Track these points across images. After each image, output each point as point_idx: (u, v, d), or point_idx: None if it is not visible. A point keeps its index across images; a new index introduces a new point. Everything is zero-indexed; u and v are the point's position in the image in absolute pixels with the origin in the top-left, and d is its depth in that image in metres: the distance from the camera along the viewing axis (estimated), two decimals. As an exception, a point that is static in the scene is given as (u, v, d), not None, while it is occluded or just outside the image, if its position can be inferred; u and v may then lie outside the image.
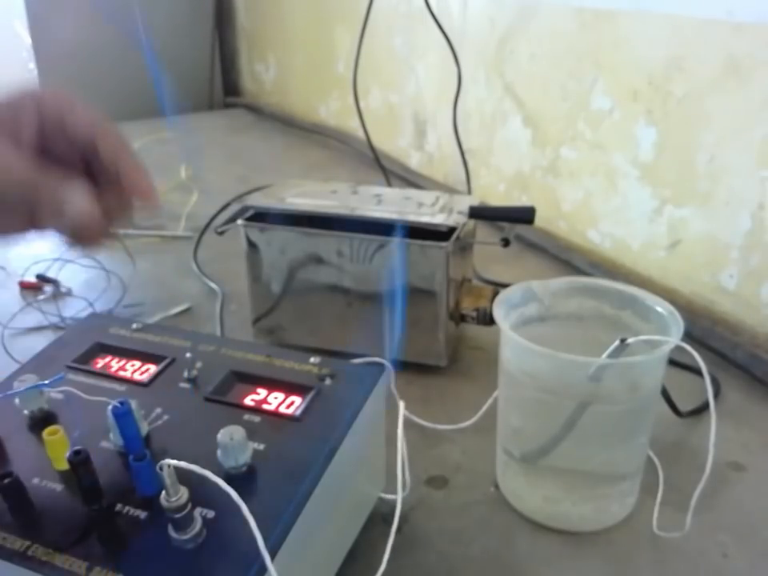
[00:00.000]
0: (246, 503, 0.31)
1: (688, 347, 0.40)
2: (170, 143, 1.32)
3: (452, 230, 0.59)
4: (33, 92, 0.32)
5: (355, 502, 0.43)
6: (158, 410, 0.41)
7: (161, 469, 0.31)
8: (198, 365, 0.44)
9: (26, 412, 0.40)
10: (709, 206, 0.70)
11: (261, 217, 0.63)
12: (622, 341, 0.40)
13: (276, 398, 0.41)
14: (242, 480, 0.35)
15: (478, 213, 0.62)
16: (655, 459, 0.50)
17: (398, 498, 0.40)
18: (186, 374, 0.43)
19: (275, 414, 0.40)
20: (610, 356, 0.40)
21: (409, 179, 1.12)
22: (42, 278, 0.80)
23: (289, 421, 0.40)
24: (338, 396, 0.41)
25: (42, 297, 0.78)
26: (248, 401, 0.41)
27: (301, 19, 1.47)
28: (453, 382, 0.62)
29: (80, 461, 0.32)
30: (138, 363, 0.45)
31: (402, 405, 0.42)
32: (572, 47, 0.83)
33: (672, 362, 0.43)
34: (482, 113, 1.00)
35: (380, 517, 0.46)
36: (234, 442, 0.35)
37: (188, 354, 0.44)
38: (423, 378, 0.62)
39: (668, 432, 0.55)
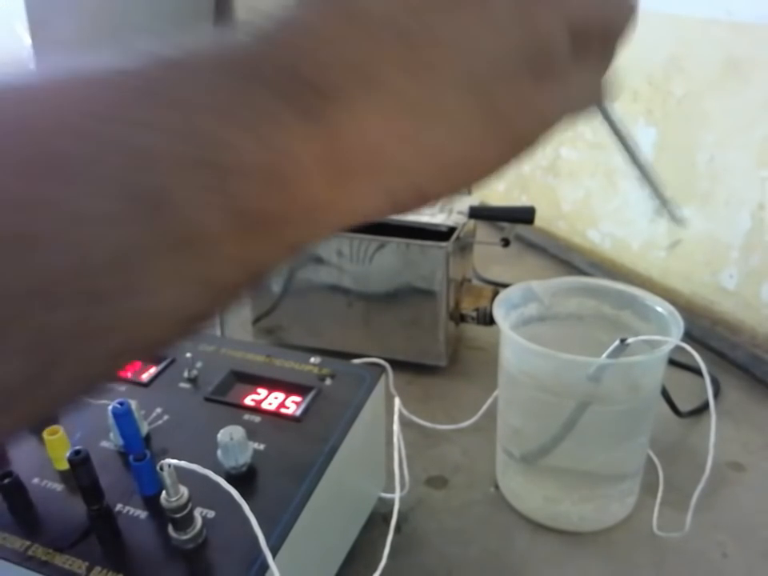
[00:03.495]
0: (246, 503, 0.31)
1: (688, 347, 0.40)
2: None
3: (452, 229, 0.59)
4: None
5: (355, 502, 0.43)
6: (158, 410, 0.41)
7: (161, 469, 0.31)
8: (198, 365, 0.44)
9: (26, 412, 0.40)
10: (709, 206, 0.70)
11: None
12: (622, 341, 0.40)
13: (276, 398, 0.41)
14: (242, 480, 0.35)
15: (478, 213, 0.62)
16: (655, 459, 0.50)
17: (396, 494, 0.40)
18: (186, 374, 0.43)
19: (275, 414, 0.40)
20: (609, 356, 0.40)
21: (409, 179, 1.12)
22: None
23: (289, 421, 0.40)
24: (338, 396, 0.41)
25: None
26: (248, 401, 0.41)
27: (301, 19, 1.47)
28: (453, 381, 0.62)
29: (80, 461, 0.32)
30: (137, 363, 0.45)
31: (397, 401, 0.42)
32: (572, 47, 0.83)
33: (672, 362, 0.43)
34: None
35: (380, 517, 0.46)
36: (234, 442, 0.35)
37: (188, 354, 0.44)
38: (423, 377, 0.62)
39: (668, 432, 0.55)
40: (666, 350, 0.41)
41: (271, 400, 0.41)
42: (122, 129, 0.14)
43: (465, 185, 0.20)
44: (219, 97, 0.15)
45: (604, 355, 0.40)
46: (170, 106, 0.14)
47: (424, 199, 0.19)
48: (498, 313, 0.44)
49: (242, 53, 0.16)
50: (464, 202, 0.63)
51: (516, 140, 0.19)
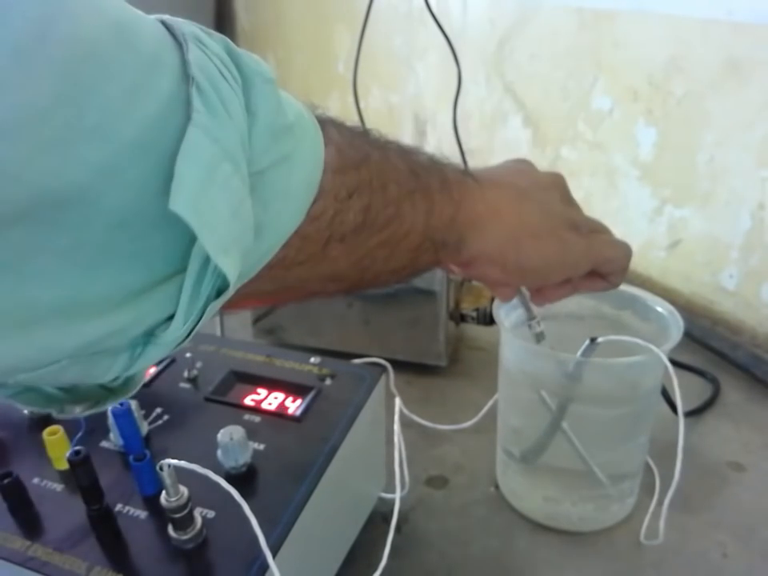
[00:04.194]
0: (246, 503, 0.31)
1: (658, 351, 0.39)
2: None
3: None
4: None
5: (355, 502, 0.43)
6: (158, 410, 0.41)
7: (161, 469, 0.31)
8: (198, 365, 0.44)
9: (26, 412, 0.40)
10: (709, 206, 0.70)
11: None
12: (592, 340, 0.40)
13: (276, 398, 0.41)
14: (242, 480, 0.35)
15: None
16: (651, 462, 0.50)
17: (397, 494, 0.40)
18: (186, 374, 0.43)
19: (275, 414, 0.40)
20: (582, 355, 0.40)
21: (409, 179, 1.12)
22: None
23: (289, 421, 0.40)
24: (338, 396, 0.41)
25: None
26: (248, 401, 0.41)
27: (300, 19, 1.47)
28: (453, 381, 0.62)
29: (80, 461, 0.32)
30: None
31: (398, 401, 0.42)
32: (572, 47, 0.83)
33: (672, 362, 0.42)
34: (482, 113, 1.00)
35: (380, 517, 0.46)
36: (234, 442, 0.35)
37: (188, 354, 0.44)
38: (423, 378, 0.62)
39: (668, 432, 0.54)
40: (665, 349, 0.41)
41: (271, 400, 0.41)
42: (420, 177, 0.30)
43: (537, 269, 0.35)
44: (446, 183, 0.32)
45: (578, 354, 0.40)
46: (427, 179, 0.31)
47: (516, 255, 0.34)
48: (497, 313, 0.44)
49: (452, 172, 0.33)
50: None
51: (562, 249, 0.35)
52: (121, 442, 0.37)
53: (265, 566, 0.30)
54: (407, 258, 0.31)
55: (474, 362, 0.65)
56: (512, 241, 0.33)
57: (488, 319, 0.62)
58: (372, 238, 0.28)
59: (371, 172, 0.27)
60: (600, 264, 0.37)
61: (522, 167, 0.38)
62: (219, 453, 0.36)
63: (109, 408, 0.36)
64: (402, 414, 0.45)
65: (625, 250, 0.38)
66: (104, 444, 0.38)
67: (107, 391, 0.23)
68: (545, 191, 0.36)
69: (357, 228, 0.27)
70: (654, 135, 0.75)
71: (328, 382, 0.42)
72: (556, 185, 0.37)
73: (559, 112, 0.87)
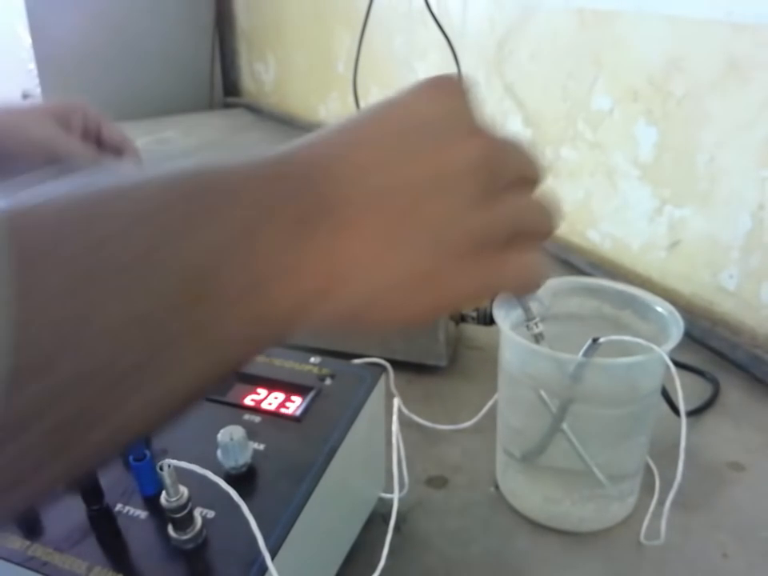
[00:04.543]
0: (245, 503, 0.31)
1: (661, 351, 0.40)
2: (169, 143, 1.32)
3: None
4: (78, 103, 0.47)
5: (355, 502, 0.43)
6: (158, 410, 0.41)
7: (161, 469, 0.31)
8: (198, 365, 0.44)
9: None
10: (709, 206, 0.70)
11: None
12: (594, 340, 0.40)
13: (276, 398, 0.41)
14: (242, 480, 0.35)
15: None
16: (651, 462, 0.50)
17: (395, 495, 0.40)
18: (185, 374, 0.43)
19: (275, 414, 0.40)
20: (584, 355, 0.40)
21: (409, 179, 1.12)
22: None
23: (289, 421, 0.40)
24: (338, 396, 0.41)
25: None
26: (248, 401, 0.41)
27: (300, 19, 1.47)
28: (453, 381, 0.62)
29: (80, 461, 0.32)
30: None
31: (397, 401, 0.42)
32: (572, 47, 0.83)
33: (672, 362, 0.42)
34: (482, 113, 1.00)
35: (380, 517, 0.46)
36: (234, 442, 0.35)
37: (188, 354, 0.44)
38: (423, 377, 0.62)
39: (668, 432, 0.55)
40: (665, 349, 0.41)
41: (271, 400, 0.41)
42: (203, 300, 0.20)
43: (409, 314, 0.25)
44: (251, 213, 0.21)
45: (580, 354, 0.40)
46: (219, 291, 0.20)
47: (378, 313, 0.24)
48: (498, 313, 0.44)
49: (270, 170, 0.22)
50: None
51: (444, 295, 0.24)
52: (121, 441, 0.37)
53: (264, 567, 0.30)
54: (180, 406, 0.21)
55: (473, 361, 0.65)
56: (359, 311, 0.23)
57: (488, 319, 0.62)
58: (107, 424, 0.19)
59: (93, 338, 0.18)
60: (510, 289, 0.29)
61: (435, 123, 0.25)
62: (219, 453, 0.36)
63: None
64: (401, 414, 0.45)
65: (540, 274, 0.27)
66: (104, 444, 0.38)
67: None
68: (454, 187, 0.24)
69: (63, 444, 0.18)
70: (654, 135, 0.75)
71: (328, 381, 0.42)
72: (480, 161, 0.25)
73: (559, 112, 0.87)
